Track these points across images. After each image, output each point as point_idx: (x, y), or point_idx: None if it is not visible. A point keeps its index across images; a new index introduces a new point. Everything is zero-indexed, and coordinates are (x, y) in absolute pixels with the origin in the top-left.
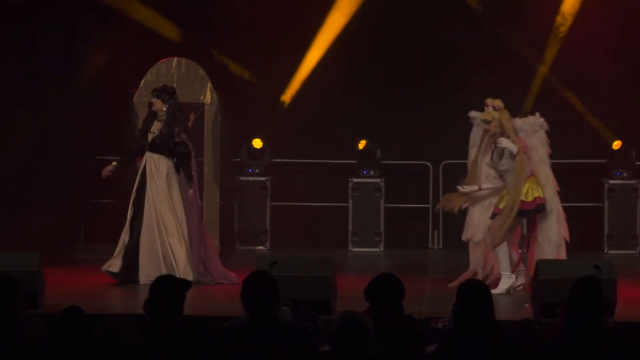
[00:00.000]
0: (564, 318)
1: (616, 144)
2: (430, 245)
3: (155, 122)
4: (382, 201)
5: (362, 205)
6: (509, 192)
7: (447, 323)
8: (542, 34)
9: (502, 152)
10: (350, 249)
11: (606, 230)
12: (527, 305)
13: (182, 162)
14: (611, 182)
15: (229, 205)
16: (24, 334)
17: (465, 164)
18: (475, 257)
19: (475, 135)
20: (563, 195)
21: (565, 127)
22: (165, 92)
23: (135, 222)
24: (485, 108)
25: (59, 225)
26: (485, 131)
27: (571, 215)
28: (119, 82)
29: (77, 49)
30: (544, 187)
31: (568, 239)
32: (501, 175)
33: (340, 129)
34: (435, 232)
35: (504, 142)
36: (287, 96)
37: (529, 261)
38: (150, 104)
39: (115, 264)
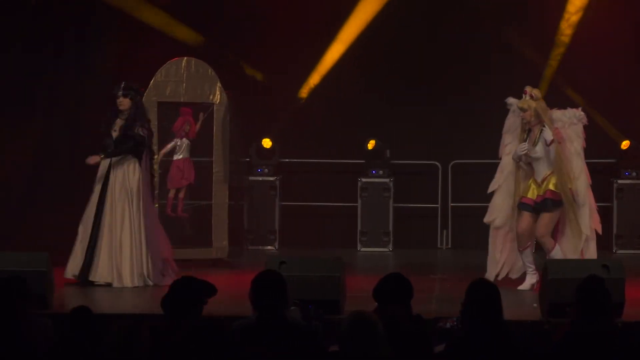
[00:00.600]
0: (573, 318)
1: (625, 144)
2: (439, 245)
3: (117, 120)
4: (391, 201)
5: (371, 205)
6: (558, 183)
7: (455, 323)
8: (549, 33)
9: (536, 140)
10: (359, 248)
11: (615, 230)
12: (535, 305)
13: (134, 151)
14: (620, 181)
15: (238, 205)
16: (33, 334)
17: (475, 164)
18: (493, 242)
19: (510, 122)
20: None
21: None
22: (133, 90)
23: (96, 220)
24: (524, 95)
25: (68, 225)
26: (521, 119)
27: None
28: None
29: (87, 49)
30: (577, 179)
31: (600, 232)
32: (529, 164)
33: (349, 129)
34: (444, 232)
35: (545, 130)
36: (305, 91)
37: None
38: (114, 102)
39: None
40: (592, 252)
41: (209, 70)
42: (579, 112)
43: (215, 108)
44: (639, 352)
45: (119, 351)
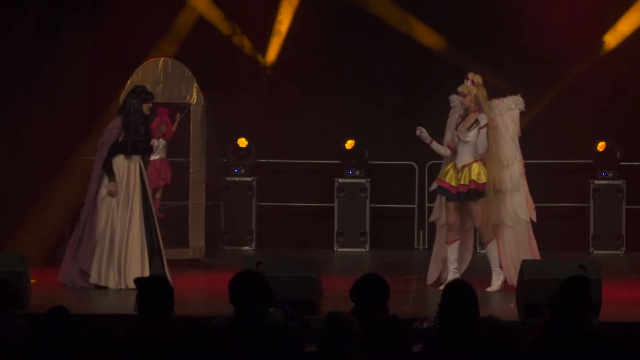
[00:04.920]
0: (549, 318)
1: (601, 145)
2: (415, 246)
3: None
4: (368, 201)
5: (348, 206)
6: (482, 172)
7: (432, 323)
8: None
9: (471, 125)
10: (335, 249)
11: (591, 231)
12: (512, 305)
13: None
14: (596, 182)
15: (214, 205)
16: (9, 335)
17: None
18: (440, 242)
19: (452, 120)
20: (549, 196)
21: (550, 127)
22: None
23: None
24: (465, 81)
25: (43, 226)
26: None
27: (556, 215)
28: (104, 82)
29: (62, 49)
30: (511, 166)
31: (535, 219)
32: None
33: (326, 129)
34: (421, 233)
35: (481, 116)
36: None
37: (498, 247)
38: (142, 107)
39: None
40: (522, 241)
41: (186, 71)
42: (517, 98)
43: (192, 108)
44: (615, 353)
45: (94, 351)
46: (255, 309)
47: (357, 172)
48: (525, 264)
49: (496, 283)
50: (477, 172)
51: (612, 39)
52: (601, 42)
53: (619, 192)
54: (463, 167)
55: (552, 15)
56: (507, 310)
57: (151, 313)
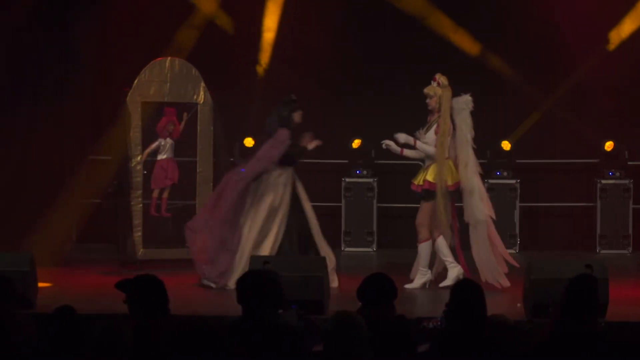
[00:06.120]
0: (557, 317)
1: (608, 145)
2: None
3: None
4: (375, 201)
5: (355, 205)
6: (437, 173)
7: (438, 323)
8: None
9: (429, 127)
10: (343, 248)
11: (598, 230)
12: (519, 305)
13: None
14: (603, 182)
15: None
16: (18, 334)
17: None
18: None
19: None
20: (556, 195)
21: (558, 127)
22: None
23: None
24: (432, 82)
25: (51, 225)
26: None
27: (563, 215)
28: (111, 81)
29: (71, 49)
30: (465, 167)
31: (494, 217)
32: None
33: (333, 128)
34: None
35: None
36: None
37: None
38: (293, 117)
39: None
40: (483, 239)
41: (193, 70)
42: (466, 97)
43: (199, 108)
44: (621, 353)
45: (102, 351)
46: (262, 309)
47: (365, 172)
48: (532, 264)
49: (418, 281)
50: (433, 173)
51: (617, 37)
52: (607, 41)
53: (625, 191)
54: (426, 168)
55: (558, 13)
56: (515, 309)
57: (143, 314)
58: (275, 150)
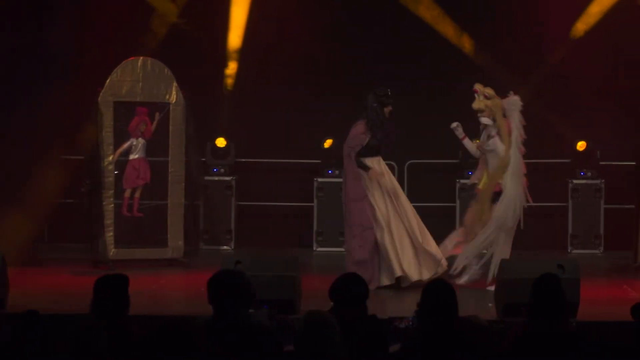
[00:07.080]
0: (527, 318)
1: (581, 145)
2: None
3: None
4: None
5: (327, 205)
6: (489, 177)
7: (410, 323)
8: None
9: (490, 134)
10: (315, 248)
11: (570, 230)
12: (490, 305)
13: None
14: (575, 182)
15: (193, 204)
16: None
17: (430, 164)
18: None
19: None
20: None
21: (530, 127)
22: None
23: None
24: (476, 95)
25: (23, 225)
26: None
27: (535, 215)
28: (84, 80)
29: (44, 48)
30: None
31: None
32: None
33: (305, 128)
34: None
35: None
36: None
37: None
38: (383, 111)
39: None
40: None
41: (165, 70)
42: (514, 98)
43: (171, 108)
44: (593, 353)
45: (76, 351)
46: (234, 308)
47: (337, 172)
48: (504, 264)
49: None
50: (485, 179)
51: (582, 29)
52: (574, 38)
53: (597, 191)
54: (494, 169)
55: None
56: (486, 310)
57: (105, 313)
58: (353, 145)
